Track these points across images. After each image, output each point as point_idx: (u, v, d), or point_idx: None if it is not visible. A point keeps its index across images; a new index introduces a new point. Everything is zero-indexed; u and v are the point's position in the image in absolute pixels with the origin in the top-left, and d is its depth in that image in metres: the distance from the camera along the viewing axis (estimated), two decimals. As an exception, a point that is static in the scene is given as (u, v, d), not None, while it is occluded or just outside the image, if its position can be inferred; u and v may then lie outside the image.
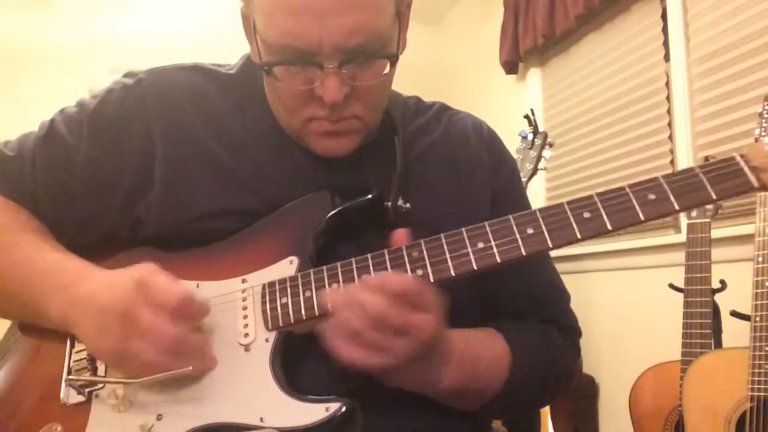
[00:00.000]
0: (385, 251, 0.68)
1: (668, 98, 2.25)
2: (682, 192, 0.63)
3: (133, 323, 0.64)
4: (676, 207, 0.62)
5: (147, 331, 0.64)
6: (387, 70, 0.72)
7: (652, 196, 0.63)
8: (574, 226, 0.64)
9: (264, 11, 0.68)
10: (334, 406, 0.63)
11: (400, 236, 0.69)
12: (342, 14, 0.66)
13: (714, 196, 0.62)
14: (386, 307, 0.61)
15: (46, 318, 0.72)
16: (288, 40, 0.67)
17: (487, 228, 0.66)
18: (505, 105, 3.19)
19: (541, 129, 2.25)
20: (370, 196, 0.74)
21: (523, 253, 0.64)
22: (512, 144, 2.19)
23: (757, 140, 1.46)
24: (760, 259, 1.41)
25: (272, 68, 0.70)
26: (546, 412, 2.17)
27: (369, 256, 0.68)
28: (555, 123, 2.86)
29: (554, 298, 0.88)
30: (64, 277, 0.71)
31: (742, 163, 0.62)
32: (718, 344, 1.62)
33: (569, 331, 0.87)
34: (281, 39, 0.68)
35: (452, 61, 3.70)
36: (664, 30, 2.27)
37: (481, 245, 0.66)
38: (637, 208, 0.63)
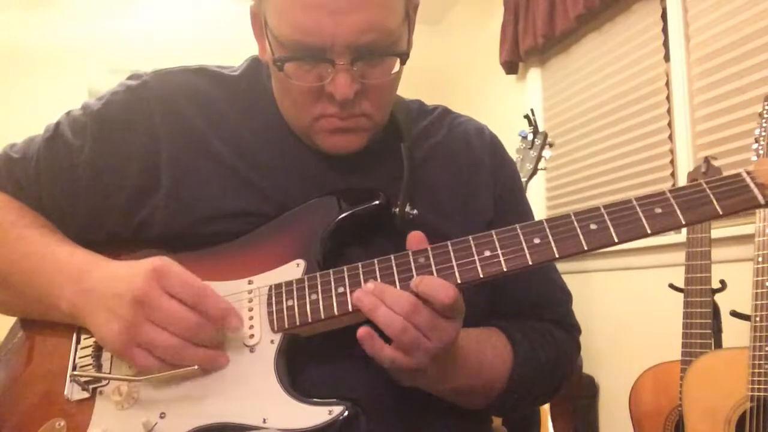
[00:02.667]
0: (392, 256, 0.68)
1: (668, 98, 2.25)
2: (688, 206, 0.63)
3: (147, 309, 0.64)
4: (683, 221, 0.62)
5: (166, 317, 0.64)
6: (396, 68, 0.73)
7: (658, 210, 0.63)
8: (581, 237, 0.64)
9: (277, 8, 0.69)
10: (337, 409, 0.64)
11: (417, 239, 0.68)
12: (355, 12, 0.67)
13: (720, 212, 0.62)
14: (415, 303, 0.62)
15: (56, 311, 0.72)
16: (300, 36, 0.68)
17: (494, 236, 0.66)
18: (505, 105, 3.20)
19: (541, 129, 2.25)
20: (377, 202, 0.75)
21: (530, 262, 0.64)
22: (512, 144, 2.19)
23: (756, 140, 1.46)
24: (760, 259, 1.41)
25: (284, 64, 0.71)
26: (546, 412, 2.18)
27: (376, 260, 0.68)
28: (555, 123, 2.86)
29: (558, 300, 0.88)
30: (74, 268, 0.72)
31: (749, 180, 0.62)
32: (718, 344, 1.62)
33: (570, 329, 0.88)
34: (294, 35, 0.68)
35: (452, 61, 3.70)
36: (664, 30, 2.27)
37: (487, 253, 0.66)
38: (644, 221, 0.63)
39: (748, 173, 0.63)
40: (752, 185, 0.62)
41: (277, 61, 0.71)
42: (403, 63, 0.74)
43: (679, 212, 0.63)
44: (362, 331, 0.63)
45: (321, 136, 0.76)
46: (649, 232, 0.63)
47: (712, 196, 0.62)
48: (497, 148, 0.90)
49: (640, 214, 0.63)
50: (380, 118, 0.78)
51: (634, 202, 0.64)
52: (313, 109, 0.74)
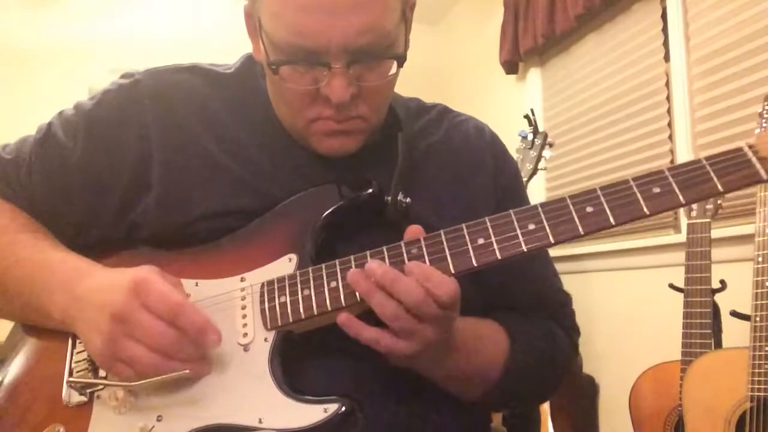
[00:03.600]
0: (384, 248, 0.67)
1: (668, 98, 2.25)
2: (688, 185, 0.60)
3: (126, 324, 0.63)
4: (682, 200, 0.60)
5: (144, 332, 0.63)
6: (393, 70, 0.72)
7: (656, 190, 0.61)
8: (577, 221, 0.62)
9: (272, 9, 0.68)
10: (332, 407, 0.63)
11: (415, 231, 0.68)
12: (351, 14, 0.65)
13: (721, 189, 0.59)
14: (425, 298, 0.61)
15: (48, 317, 0.72)
16: (296, 39, 0.67)
17: (488, 223, 0.65)
18: (505, 105, 3.19)
19: (541, 129, 2.25)
20: (370, 190, 0.74)
21: (524, 249, 0.63)
22: (512, 144, 2.19)
23: (759, 138, 1.46)
24: (760, 259, 1.41)
25: (279, 68, 0.70)
26: (546, 411, 2.18)
27: (368, 253, 0.67)
28: (555, 123, 2.86)
29: (560, 301, 0.88)
30: (66, 274, 0.71)
31: (750, 154, 0.59)
32: (718, 344, 1.62)
33: (570, 331, 0.87)
34: (289, 38, 0.67)
35: (452, 61, 3.69)
36: (664, 30, 2.27)
37: (481, 241, 0.64)
38: (642, 202, 0.61)
39: (750, 147, 0.60)
40: (754, 160, 0.59)
41: (272, 64, 0.70)
42: (400, 66, 0.73)
43: (678, 191, 0.60)
44: (342, 317, 0.64)
45: (316, 139, 0.76)
46: (647, 212, 0.61)
47: (712, 172, 0.60)
48: (498, 148, 0.89)
49: (638, 194, 0.61)
50: (376, 120, 0.78)
51: (632, 182, 0.62)
52: (308, 111, 0.73)
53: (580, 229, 0.62)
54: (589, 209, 0.62)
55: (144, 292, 0.64)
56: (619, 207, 0.61)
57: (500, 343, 0.77)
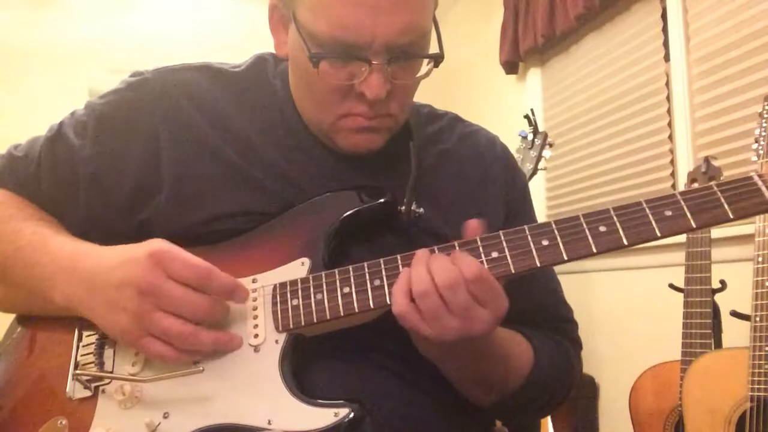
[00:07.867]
0: (398, 256, 0.67)
1: (668, 98, 2.25)
2: (699, 210, 0.62)
3: (153, 297, 0.63)
4: (693, 225, 0.62)
5: (175, 303, 0.63)
6: (424, 69, 0.73)
7: (668, 213, 0.62)
8: (590, 239, 0.63)
9: (313, 2, 0.68)
10: (342, 412, 0.63)
11: (473, 227, 0.68)
12: (396, 12, 0.66)
13: (731, 216, 0.61)
14: (456, 281, 0.61)
15: (52, 303, 0.71)
16: (339, 32, 0.67)
17: (502, 238, 0.66)
18: (505, 105, 3.20)
19: (541, 129, 2.25)
20: (383, 199, 0.74)
21: (538, 264, 0.64)
22: (512, 144, 2.19)
23: (756, 140, 1.46)
24: (760, 259, 1.41)
25: (320, 61, 0.69)
26: (546, 411, 2.18)
27: (381, 261, 0.68)
28: (555, 123, 2.86)
29: (564, 315, 0.89)
30: (65, 258, 0.71)
31: (760, 183, 0.61)
32: (718, 344, 1.62)
33: (576, 345, 0.88)
34: (332, 31, 0.67)
35: (452, 61, 3.69)
36: (664, 30, 2.27)
37: (495, 255, 0.65)
38: (654, 224, 0.62)
39: (760, 176, 0.62)
40: (763, 189, 0.61)
41: (312, 58, 0.69)
42: (436, 65, 0.73)
43: (689, 215, 0.62)
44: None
45: (343, 135, 0.75)
46: (659, 235, 0.62)
47: (723, 199, 0.62)
48: (509, 161, 0.90)
49: (650, 216, 0.63)
50: (403, 119, 0.78)
51: (644, 205, 0.63)
52: (339, 107, 0.73)
53: (594, 247, 0.63)
54: (602, 228, 0.64)
55: (167, 262, 0.64)
56: (631, 228, 0.63)
57: (526, 353, 0.78)
